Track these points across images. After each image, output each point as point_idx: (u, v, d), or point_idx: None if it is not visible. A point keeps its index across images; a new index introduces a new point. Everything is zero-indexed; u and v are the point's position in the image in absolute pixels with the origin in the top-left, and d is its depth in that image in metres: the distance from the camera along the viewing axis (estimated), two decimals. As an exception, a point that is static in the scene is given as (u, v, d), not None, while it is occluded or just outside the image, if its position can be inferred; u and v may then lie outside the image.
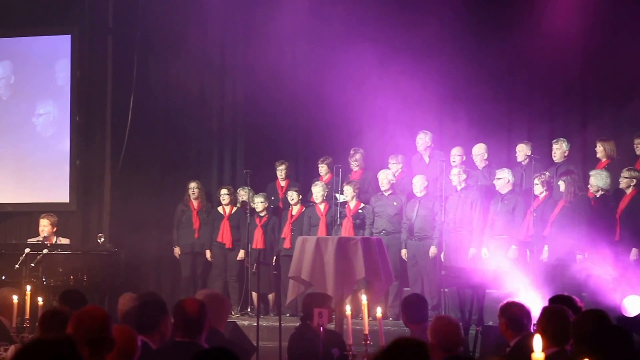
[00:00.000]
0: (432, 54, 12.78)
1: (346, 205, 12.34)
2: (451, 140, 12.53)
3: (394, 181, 12.33)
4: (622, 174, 10.73)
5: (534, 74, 12.88)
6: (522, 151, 11.87)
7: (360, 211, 12.30)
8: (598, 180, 10.85)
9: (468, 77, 12.73)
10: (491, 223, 11.54)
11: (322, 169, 12.94)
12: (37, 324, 5.68)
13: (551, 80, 12.70)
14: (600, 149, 11.54)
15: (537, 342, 2.53)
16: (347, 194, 12.29)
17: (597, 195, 10.84)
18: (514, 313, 5.68)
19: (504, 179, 11.50)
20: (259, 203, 12.79)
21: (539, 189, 11.21)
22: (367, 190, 12.66)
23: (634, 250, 10.40)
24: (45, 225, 12.08)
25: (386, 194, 12.25)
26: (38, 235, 12.28)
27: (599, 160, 11.60)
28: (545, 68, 12.66)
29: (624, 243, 10.45)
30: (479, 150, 12.19)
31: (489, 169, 12.11)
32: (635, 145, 11.35)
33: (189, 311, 5.35)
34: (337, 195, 12.31)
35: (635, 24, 12.17)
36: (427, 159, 12.59)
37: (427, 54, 12.73)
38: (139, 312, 5.76)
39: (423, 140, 12.55)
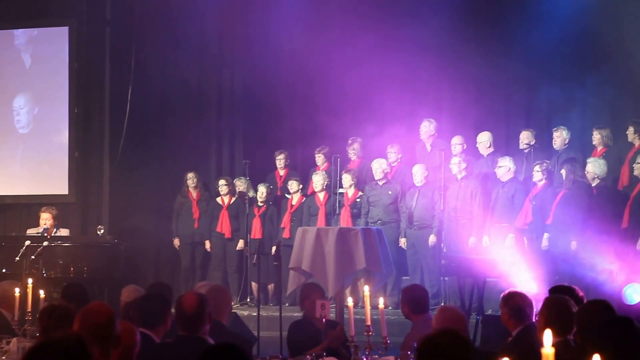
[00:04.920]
0: (431, 42, 12.74)
1: (344, 195, 12.35)
2: (451, 128, 12.50)
3: (388, 170, 12.32)
4: (637, 160, 10.71)
5: (533, 61, 12.85)
6: (526, 138, 11.84)
7: (357, 200, 12.30)
8: (595, 168, 10.85)
9: (468, 66, 12.70)
10: (492, 211, 11.55)
11: (319, 158, 12.94)
12: (36, 320, 5.70)
13: (551, 67, 12.66)
14: (596, 137, 11.54)
15: (548, 336, 2.52)
16: (346, 183, 12.30)
17: (594, 184, 10.84)
18: (517, 303, 5.68)
19: (504, 167, 11.49)
20: (262, 193, 12.76)
21: (538, 177, 11.20)
22: (364, 179, 12.66)
23: None
24: (47, 219, 12.10)
25: (380, 183, 12.24)
26: (38, 225, 12.29)
27: (595, 148, 11.60)
28: (545, 54, 12.65)
29: (633, 231, 10.41)
30: (483, 138, 12.18)
31: (493, 157, 12.09)
32: (627, 133, 11.35)
33: (187, 308, 5.35)
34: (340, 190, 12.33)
35: (633, 7, 12.15)
36: (428, 147, 12.58)
37: (426, 43, 12.69)
38: (144, 306, 5.77)
39: (427, 128, 12.53)
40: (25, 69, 14.48)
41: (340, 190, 12.35)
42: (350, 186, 12.31)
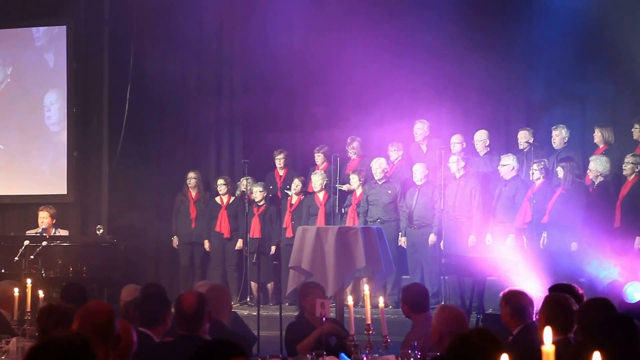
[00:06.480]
0: (431, 41, 12.73)
1: (352, 193, 12.35)
2: (450, 127, 12.49)
3: (388, 169, 12.32)
4: (626, 159, 10.69)
5: (533, 59, 12.85)
6: (524, 137, 11.83)
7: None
8: (598, 165, 10.84)
9: (467, 64, 12.68)
10: (493, 210, 11.53)
11: (318, 158, 12.93)
12: (35, 320, 5.70)
13: (550, 65, 12.65)
14: (597, 135, 11.53)
15: (548, 334, 2.51)
16: (354, 183, 12.29)
17: (596, 182, 10.83)
18: (519, 302, 5.66)
19: (508, 165, 11.46)
20: (257, 192, 12.78)
21: (536, 175, 11.18)
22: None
23: (638, 239, 10.36)
24: (44, 217, 12.09)
25: (380, 182, 12.23)
26: (37, 227, 12.27)
27: (596, 146, 11.59)
28: (544, 52, 12.64)
29: (625, 230, 10.43)
30: (481, 137, 12.17)
31: (490, 156, 12.09)
32: (633, 130, 11.34)
33: (186, 306, 5.34)
34: (340, 186, 12.32)
35: (634, 4, 12.15)
36: (424, 149, 12.57)
37: (425, 41, 12.69)
38: (143, 305, 5.76)
39: (422, 130, 12.52)
40: (25, 68, 14.47)
41: (342, 187, 12.34)
42: (359, 186, 12.31)
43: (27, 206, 13.99)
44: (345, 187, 12.44)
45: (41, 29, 14.43)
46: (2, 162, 14.47)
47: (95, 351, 3.16)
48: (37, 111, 14.40)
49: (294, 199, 12.69)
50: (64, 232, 12.33)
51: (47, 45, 14.41)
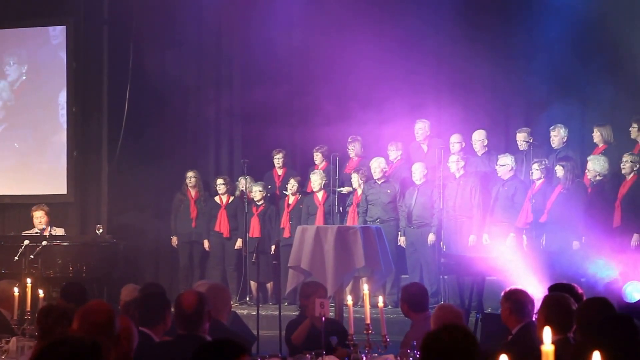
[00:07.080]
0: (432, 41, 12.76)
1: (354, 193, 12.35)
2: (449, 127, 12.49)
3: (387, 169, 12.32)
4: (624, 158, 10.68)
5: (533, 58, 12.84)
6: (523, 138, 11.83)
7: None
8: (596, 165, 10.84)
9: (466, 63, 12.68)
10: (492, 209, 11.53)
11: (317, 157, 12.93)
12: (35, 320, 5.72)
13: (549, 64, 12.64)
14: (597, 134, 11.52)
15: (547, 334, 2.51)
16: (355, 182, 12.30)
17: (594, 181, 10.82)
18: (518, 299, 5.67)
19: (506, 165, 11.47)
20: (256, 192, 12.78)
21: (536, 175, 11.18)
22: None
23: (635, 236, 10.40)
24: (41, 217, 12.10)
25: (379, 182, 12.23)
26: (33, 227, 12.27)
27: (595, 145, 11.59)
28: (544, 51, 12.64)
29: (625, 228, 10.43)
30: (479, 137, 12.17)
31: (488, 155, 12.09)
32: (631, 130, 11.34)
33: (186, 306, 5.34)
34: (340, 189, 12.33)
35: (632, 4, 12.16)
36: (425, 148, 12.56)
37: (426, 41, 12.72)
38: (143, 305, 5.76)
39: (423, 129, 12.51)
40: (24, 68, 14.48)
41: (342, 190, 12.35)
42: (360, 185, 12.31)
43: (27, 206, 13.94)
44: (345, 190, 12.45)
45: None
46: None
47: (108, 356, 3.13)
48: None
49: (291, 199, 12.70)
50: (59, 231, 12.34)
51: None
